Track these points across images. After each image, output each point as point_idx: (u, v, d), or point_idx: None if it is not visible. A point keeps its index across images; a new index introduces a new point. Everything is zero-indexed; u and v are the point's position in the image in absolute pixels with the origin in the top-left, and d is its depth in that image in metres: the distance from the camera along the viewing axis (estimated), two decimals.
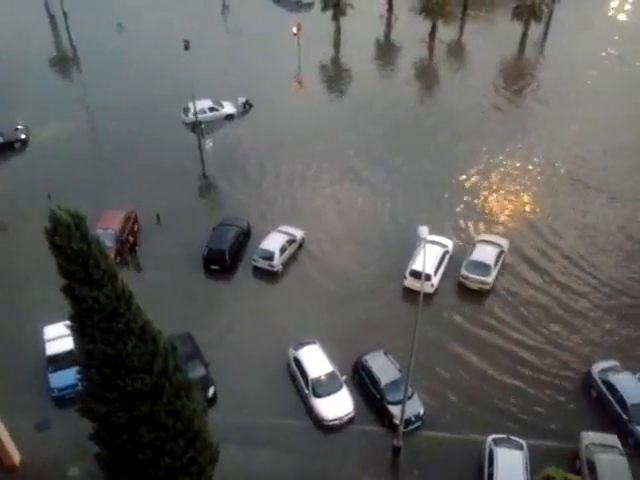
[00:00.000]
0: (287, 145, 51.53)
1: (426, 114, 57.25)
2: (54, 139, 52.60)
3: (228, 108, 56.27)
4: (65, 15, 75.02)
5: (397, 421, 29.03)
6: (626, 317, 36.65)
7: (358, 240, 42.59)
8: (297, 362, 32.85)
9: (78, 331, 19.40)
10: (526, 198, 46.69)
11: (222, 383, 32.09)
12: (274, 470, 28.69)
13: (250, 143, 52.15)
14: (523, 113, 57.96)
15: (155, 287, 36.83)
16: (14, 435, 28.50)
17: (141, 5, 76.32)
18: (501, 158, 50.73)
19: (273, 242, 40.24)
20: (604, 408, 31.35)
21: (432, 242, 38.30)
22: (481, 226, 43.65)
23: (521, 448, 28.16)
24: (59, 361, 31.64)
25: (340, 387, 31.73)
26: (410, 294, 37.13)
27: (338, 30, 72.02)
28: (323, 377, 31.93)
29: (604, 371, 32.10)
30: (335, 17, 71.55)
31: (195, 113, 47.20)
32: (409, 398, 28.85)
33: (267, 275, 39.82)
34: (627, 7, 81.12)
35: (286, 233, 41.29)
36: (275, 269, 39.67)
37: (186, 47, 55.69)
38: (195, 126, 47.71)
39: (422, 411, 30.65)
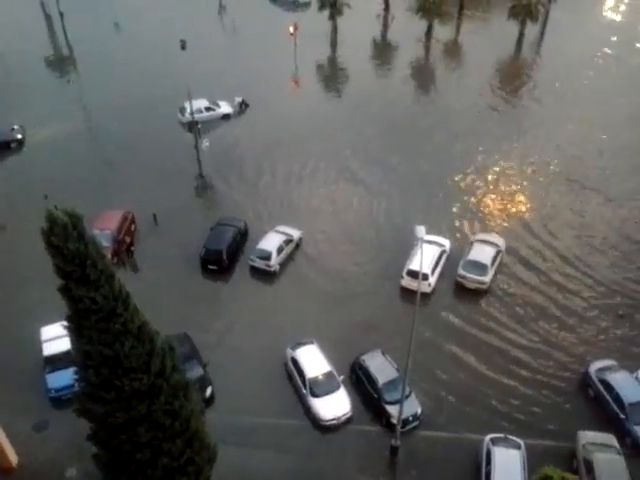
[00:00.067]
0: (284, 145, 51.51)
1: (423, 114, 57.28)
2: (50, 139, 52.48)
3: (224, 108, 56.22)
4: (61, 15, 74.83)
5: (395, 421, 29.04)
6: (622, 317, 36.70)
7: (355, 240, 42.61)
8: (295, 362, 32.85)
9: (75, 332, 19.37)
10: (522, 198, 46.75)
11: (220, 383, 32.08)
12: (272, 470, 28.70)
13: (247, 143, 52.11)
14: (519, 113, 58.02)
15: (152, 287, 36.83)
16: (11, 436, 28.45)
17: (137, 5, 76.15)
18: (497, 158, 50.78)
19: (270, 242, 40.22)
20: (601, 407, 31.42)
21: (429, 242, 38.37)
22: (477, 226, 43.66)
23: (519, 447, 28.22)
24: (56, 362, 31.55)
25: (338, 387, 31.73)
26: (407, 294, 37.17)
27: (335, 30, 71.99)
28: (321, 377, 31.94)
29: (601, 370, 32.18)
30: (332, 16, 71.52)
31: (192, 113, 47.15)
32: (406, 398, 28.85)
33: (264, 275, 39.79)
34: (622, 7, 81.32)
35: (283, 233, 41.27)
36: (272, 269, 39.65)
37: (182, 47, 55.62)
38: (192, 126, 47.67)
39: (419, 411, 30.69)
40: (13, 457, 28.69)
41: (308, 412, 31.35)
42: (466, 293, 38.24)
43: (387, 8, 76.60)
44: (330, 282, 39.25)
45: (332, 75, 66.50)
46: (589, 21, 75.24)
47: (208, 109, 54.85)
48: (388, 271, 39.56)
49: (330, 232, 43.33)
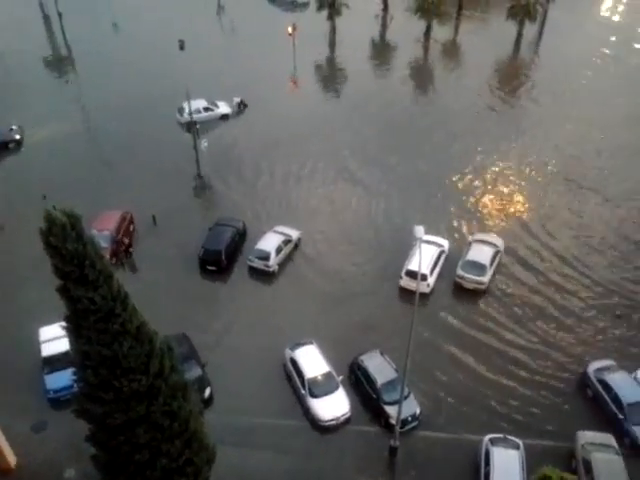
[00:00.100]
0: (282, 145, 51.49)
1: (421, 114, 57.29)
2: (49, 139, 52.43)
3: (223, 108, 56.19)
4: (60, 15, 74.76)
5: (393, 421, 29.04)
6: (620, 317, 36.73)
7: (354, 240, 42.61)
8: (293, 362, 32.83)
9: (74, 332, 19.34)
10: (520, 198, 46.77)
11: (218, 383, 32.06)
12: (270, 470, 28.69)
13: (245, 143, 52.09)
14: (518, 113, 58.06)
15: (151, 287, 36.82)
16: (10, 437, 28.41)
17: (136, 5, 76.09)
18: (496, 158, 50.80)
19: (269, 242, 40.19)
20: (600, 407, 31.43)
21: (428, 242, 38.39)
22: (475, 226, 43.66)
23: (517, 448, 28.24)
24: (55, 362, 31.54)
25: (336, 387, 31.72)
26: (406, 294, 37.18)
27: (333, 30, 72.01)
28: (319, 377, 31.92)
29: (600, 370, 32.20)
30: (330, 17, 71.54)
31: (190, 113, 47.12)
32: (405, 398, 28.83)
33: (263, 275, 39.77)
34: (621, 7, 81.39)
35: (282, 233, 41.24)
36: (271, 269, 39.63)
37: (181, 47, 55.57)
38: (190, 126, 47.64)
39: (418, 411, 30.68)
40: (12, 458, 28.65)
41: (307, 412, 31.34)
42: (465, 293, 38.24)
43: (386, 8, 76.63)
44: (329, 282, 39.24)
45: (331, 75, 66.50)
46: (587, 21, 75.32)
47: (206, 109, 54.81)
48: (387, 271, 39.56)
49: (329, 232, 43.32)
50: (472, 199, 46.29)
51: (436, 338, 35.19)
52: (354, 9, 71.09)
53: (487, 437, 28.81)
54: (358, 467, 29.15)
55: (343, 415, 30.91)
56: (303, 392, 31.73)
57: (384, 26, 74.94)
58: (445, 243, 40.72)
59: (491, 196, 46.81)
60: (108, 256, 37.45)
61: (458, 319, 36.76)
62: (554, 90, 59.76)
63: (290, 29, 61.88)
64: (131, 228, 42.67)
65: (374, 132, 53.63)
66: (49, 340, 32.30)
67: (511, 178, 48.77)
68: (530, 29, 70.49)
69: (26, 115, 54.64)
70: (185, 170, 47.95)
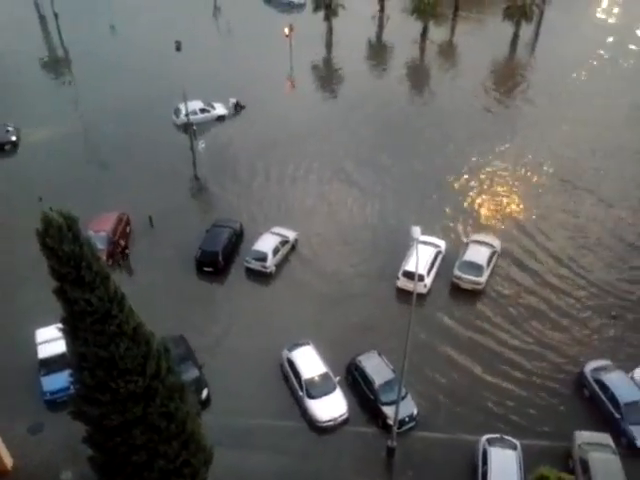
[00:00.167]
0: (279, 146, 51.49)
1: (417, 114, 57.35)
2: (45, 141, 52.34)
3: (219, 109, 56.13)
4: (56, 16, 74.61)
5: (391, 422, 29.04)
6: (616, 317, 36.79)
7: (350, 241, 42.62)
8: (291, 363, 32.81)
9: (70, 333, 19.29)
10: (516, 199, 46.84)
11: (216, 385, 32.02)
12: (268, 472, 28.65)
13: (242, 144, 52.07)
14: (513, 114, 58.15)
15: (148, 289, 36.78)
16: (6, 439, 28.33)
17: (133, 6, 75.95)
18: (491, 159, 50.87)
19: (266, 243, 40.17)
20: (596, 407, 31.48)
21: (425, 242, 38.41)
22: (471, 227, 43.69)
23: (515, 448, 28.27)
24: (51, 364, 31.47)
25: (334, 388, 31.71)
26: (403, 295, 37.18)
27: (330, 31, 72.03)
28: (317, 378, 31.90)
29: (596, 370, 32.25)
30: (327, 18, 71.56)
31: (187, 114, 47.08)
32: (403, 399, 28.84)
33: (260, 276, 39.75)
34: (616, 9, 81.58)
35: (279, 234, 41.23)
36: (268, 270, 39.60)
37: (177, 48, 55.53)
38: (187, 127, 47.60)
39: (416, 412, 30.68)
40: (8, 460, 28.57)
41: (304, 414, 31.31)
42: (462, 294, 38.28)
43: (382, 9, 76.60)
44: (326, 283, 39.23)
45: (327, 76, 66.56)
46: (583, 22, 75.47)
47: (203, 111, 54.75)
48: (384, 272, 39.55)
49: (325, 233, 43.32)
50: (468, 200, 46.34)
51: (433, 339, 35.20)
52: (350, 10, 71.07)
53: (484, 437, 28.82)
54: (356, 468, 29.15)
55: (340, 416, 30.89)
56: (300, 393, 31.70)
57: (380, 27, 74.96)
58: (442, 244, 40.77)
59: (487, 197, 46.86)
60: (104, 257, 37.40)
61: (455, 319, 36.78)
62: (550, 91, 59.88)
63: (287, 30, 61.92)
64: (128, 229, 42.61)
65: (371, 132, 53.67)
66: (46, 342, 32.22)
67: (507, 179, 48.85)
68: (526, 30, 70.64)
69: (22, 116, 54.51)
70: (182, 171, 47.92)
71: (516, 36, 70.23)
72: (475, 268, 38.21)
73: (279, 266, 40.32)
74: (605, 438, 28.72)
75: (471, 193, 47.05)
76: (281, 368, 33.57)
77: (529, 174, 49.36)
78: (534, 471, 25.78)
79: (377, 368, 31.99)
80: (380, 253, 41.35)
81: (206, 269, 39.83)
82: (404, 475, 28.98)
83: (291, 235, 41.69)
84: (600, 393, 31.33)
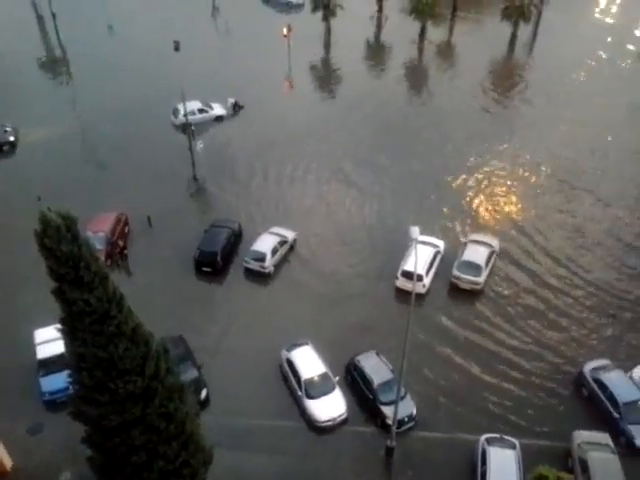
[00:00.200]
0: (278, 146, 51.49)
1: (416, 114, 57.39)
2: (44, 141, 52.30)
3: (218, 109, 56.11)
4: (54, 16, 74.59)
5: (390, 421, 29.05)
6: (615, 316, 36.83)
7: (349, 241, 42.61)
8: (290, 363, 32.80)
9: (69, 334, 19.25)
10: (514, 199, 46.88)
11: (215, 385, 31.99)
12: (267, 472, 28.64)
13: (240, 144, 52.05)
14: (512, 114, 58.21)
15: (146, 289, 36.77)
16: (5, 439, 28.29)
17: (131, 7, 76.01)
18: (489, 159, 50.91)
19: (265, 243, 40.15)
20: (596, 407, 31.49)
21: (423, 242, 38.39)
22: (469, 227, 43.69)
23: (514, 447, 28.27)
24: (50, 365, 31.37)
25: (333, 388, 31.70)
26: (402, 294, 37.19)
27: (328, 31, 72.10)
28: (316, 378, 31.88)
29: (595, 370, 32.26)
30: (325, 18, 71.62)
31: (185, 115, 47.07)
32: (402, 398, 28.83)
33: (259, 277, 39.73)
34: (614, 9, 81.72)
35: (277, 234, 41.22)
36: (267, 271, 39.59)
37: (176, 48, 55.52)
38: (185, 128, 47.58)
39: (415, 411, 30.67)
40: (7, 461, 28.53)
41: (303, 413, 31.30)
42: (460, 294, 38.29)
43: (380, 9, 76.74)
44: (324, 283, 39.22)
45: (326, 76, 66.61)
46: (581, 22, 75.61)
47: (201, 111, 54.71)
48: (383, 272, 39.56)
49: (324, 233, 43.30)
50: (466, 200, 46.36)
51: (432, 339, 35.19)
52: (349, 10, 71.18)
53: (483, 437, 28.84)
54: (355, 468, 29.13)
55: (339, 416, 30.88)
56: (299, 393, 31.70)
57: (379, 27, 75.09)
58: (440, 244, 40.77)
59: (485, 197, 46.89)
60: (103, 258, 37.37)
61: (454, 319, 36.79)
62: (548, 91, 59.95)
63: (285, 30, 61.97)
64: (126, 230, 42.58)
65: (369, 132, 53.70)
66: (44, 342, 32.17)
67: (505, 179, 48.89)
68: (524, 30, 70.76)
69: (21, 116, 54.46)
70: (180, 171, 47.88)
71: (514, 36, 70.34)
72: (474, 268, 38.22)
73: (278, 266, 40.30)
74: (604, 437, 28.73)
75: (469, 193, 47.07)
76: (280, 368, 33.56)
77: (527, 174, 49.40)
78: (533, 471, 25.85)
79: (376, 368, 31.98)
80: (378, 253, 41.35)
81: (205, 269, 39.81)
82: (403, 475, 28.98)
83: (290, 235, 41.68)
84: (599, 392, 31.35)
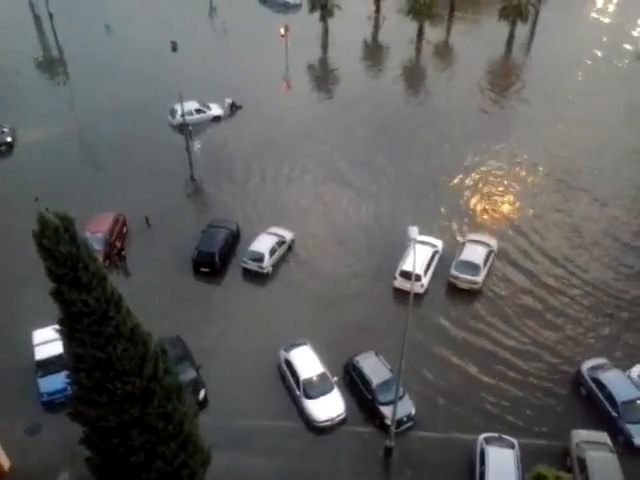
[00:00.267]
0: (275, 146, 51.48)
1: (413, 114, 57.40)
2: (41, 141, 52.18)
3: (215, 110, 56.07)
4: (51, 16, 74.44)
5: (388, 421, 29.06)
6: (612, 316, 36.89)
7: (347, 241, 42.60)
8: (288, 364, 32.79)
9: (67, 335, 19.24)
10: (512, 198, 46.92)
11: (213, 385, 31.96)
12: (265, 472, 28.62)
13: (238, 144, 52.04)
14: (509, 114, 58.26)
15: (145, 290, 36.73)
16: (3, 440, 28.25)
17: (128, 7, 75.87)
18: (486, 158, 50.92)
19: (263, 244, 40.13)
20: (594, 406, 31.53)
21: (422, 242, 38.37)
22: (467, 226, 43.71)
23: (512, 447, 28.29)
24: (48, 365, 31.39)
25: (331, 388, 31.69)
26: (400, 294, 37.20)
27: (326, 31, 72.07)
28: (314, 378, 31.88)
29: (593, 369, 32.32)
30: (323, 18, 71.60)
31: (183, 115, 47.02)
32: (400, 398, 28.86)
33: (257, 277, 39.71)
34: (611, 8, 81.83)
35: (275, 235, 41.20)
36: (265, 271, 39.57)
37: (173, 49, 55.48)
38: (182, 128, 47.54)
39: (413, 411, 30.68)
40: (5, 461, 28.48)
41: (302, 414, 31.29)
42: (459, 293, 38.32)
43: (378, 10, 76.72)
44: (322, 284, 39.20)
45: (323, 76, 66.57)
46: (579, 22, 75.75)
47: (198, 111, 54.67)
48: (381, 272, 39.57)
49: (322, 234, 43.29)
50: (464, 199, 46.38)
51: (430, 339, 35.19)
52: (346, 10, 71.18)
53: (482, 436, 28.87)
54: (353, 468, 29.13)
55: (338, 416, 30.87)
56: (298, 393, 31.69)
57: (376, 27, 75.05)
58: (439, 243, 40.78)
59: (482, 196, 46.91)
60: (101, 258, 37.33)
61: (452, 319, 36.79)
62: (545, 91, 60.01)
63: (282, 30, 61.89)
64: (124, 230, 42.54)
65: (366, 133, 53.71)
66: (42, 343, 32.15)
67: (502, 179, 48.90)
68: (522, 30, 70.83)
69: (18, 117, 54.39)
70: (178, 172, 47.86)
71: (512, 36, 70.40)
72: (472, 267, 38.25)
73: (276, 266, 40.28)
74: (602, 437, 28.78)
75: (467, 193, 47.09)
76: (278, 368, 33.54)
77: (524, 174, 49.44)
78: (532, 470, 25.84)
79: (375, 368, 31.99)
80: (376, 253, 41.35)
81: (203, 270, 39.78)
82: (402, 475, 28.98)
83: (288, 235, 41.66)
84: (597, 392, 31.39)
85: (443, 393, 32.47)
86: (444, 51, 71.29)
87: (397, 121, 55.49)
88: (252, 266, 39.66)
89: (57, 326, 19.35)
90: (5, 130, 52.58)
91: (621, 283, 39.28)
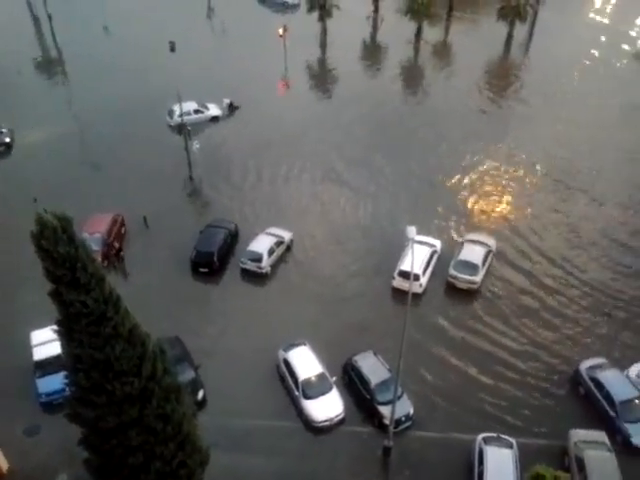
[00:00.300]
0: (274, 146, 51.50)
1: (411, 114, 57.44)
2: (40, 142, 52.19)
3: (213, 110, 56.07)
4: (49, 17, 74.47)
5: (387, 421, 29.07)
6: (610, 315, 36.91)
7: (345, 241, 42.60)
8: (287, 364, 32.78)
9: (66, 335, 19.24)
10: (510, 198, 46.94)
11: (211, 386, 31.96)
12: (264, 472, 28.62)
13: (236, 144, 52.06)
14: (507, 114, 58.28)
15: (143, 290, 36.71)
16: (2, 441, 28.21)
17: (126, 8, 75.85)
18: (485, 158, 50.95)
19: (261, 244, 40.12)
20: (592, 405, 31.56)
21: (420, 242, 38.45)
22: (465, 226, 43.72)
23: (511, 446, 28.30)
24: (46, 366, 31.37)
25: (330, 388, 31.70)
26: (399, 294, 37.22)
27: (324, 31, 72.11)
28: (313, 378, 31.88)
29: (592, 368, 32.32)
30: (321, 18, 71.62)
31: (181, 115, 47.02)
32: (399, 398, 28.87)
33: (255, 277, 39.72)
34: (609, 9, 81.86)
35: (274, 235, 41.21)
36: (263, 271, 39.58)
37: (172, 49, 55.47)
38: (181, 128, 47.54)
39: (412, 411, 30.70)
40: (3, 462, 28.44)
41: (301, 414, 31.30)
42: (457, 293, 38.34)
43: (376, 10, 76.77)
44: (321, 284, 39.21)
45: (322, 76, 66.63)
46: (577, 22, 75.78)
47: (197, 111, 54.68)
48: (379, 272, 39.58)
49: (320, 234, 43.31)
50: (462, 199, 46.42)
51: (428, 339, 35.21)
52: (345, 10, 71.20)
53: (480, 436, 28.88)
54: (352, 468, 29.13)
55: (337, 416, 30.88)
56: (297, 393, 31.70)
57: (375, 27, 75.07)
58: (437, 243, 40.80)
59: (480, 196, 46.92)
60: (99, 259, 37.32)
61: (451, 319, 36.82)
62: (544, 91, 60.06)
63: (281, 30, 61.91)
64: (122, 231, 42.53)
65: (365, 132, 53.74)
66: (41, 344, 32.12)
67: (500, 178, 48.94)
68: (520, 30, 70.90)
69: (17, 117, 54.35)
70: (176, 172, 47.87)
71: (510, 36, 70.46)
72: (470, 267, 38.28)
73: (274, 267, 40.29)
74: (600, 436, 28.81)
75: (465, 193, 47.13)
76: (277, 369, 33.54)
77: (522, 174, 49.47)
78: (530, 470, 25.84)
79: (373, 368, 32.00)
80: (375, 253, 41.36)
81: (201, 270, 39.78)
82: (401, 475, 29.00)
83: (286, 235, 41.66)
84: (595, 391, 31.42)
85: (441, 393, 32.50)
86: (442, 51, 71.35)
87: (395, 121, 55.54)
88: (250, 266, 39.67)
89: (55, 327, 19.34)
90: (4, 131, 52.57)
91: (619, 283, 39.30)
